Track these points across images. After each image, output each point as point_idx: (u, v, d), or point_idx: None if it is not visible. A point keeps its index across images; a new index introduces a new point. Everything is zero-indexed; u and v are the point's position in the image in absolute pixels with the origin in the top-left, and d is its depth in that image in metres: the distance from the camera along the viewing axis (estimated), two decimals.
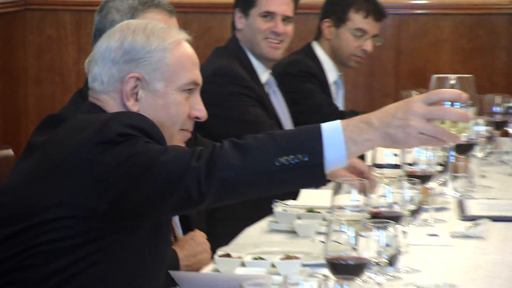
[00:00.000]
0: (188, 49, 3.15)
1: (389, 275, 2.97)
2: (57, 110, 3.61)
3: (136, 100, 3.00)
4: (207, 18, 6.51)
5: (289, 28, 5.21)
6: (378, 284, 2.87)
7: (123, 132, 2.76)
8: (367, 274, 2.73)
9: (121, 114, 2.91)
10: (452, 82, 3.13)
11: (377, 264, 2.82)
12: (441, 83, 3.12)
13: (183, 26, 3.56)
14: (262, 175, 2.72)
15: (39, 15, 7.02)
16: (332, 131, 2.75)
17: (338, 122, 2.77)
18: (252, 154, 2.73)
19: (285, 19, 5.16)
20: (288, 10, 5.17)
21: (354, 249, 2.67)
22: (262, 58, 5.21)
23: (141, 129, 2.82)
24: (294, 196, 3.70)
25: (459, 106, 2.85)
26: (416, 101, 2.73)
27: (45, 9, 6.60)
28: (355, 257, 2.66)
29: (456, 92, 2.87)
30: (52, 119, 3.14)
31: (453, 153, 4.33)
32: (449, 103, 2.80)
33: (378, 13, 5.88)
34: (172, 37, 3.08)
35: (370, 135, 2.72)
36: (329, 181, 2.87)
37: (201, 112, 3.16)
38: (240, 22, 5.22)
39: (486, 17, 6.87)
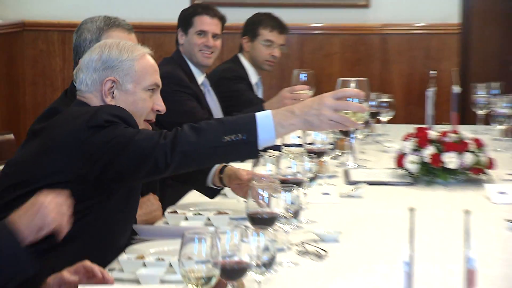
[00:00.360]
0: (150, 59, 3.22)
1: (294, 225, 2.97)
2: (47, 105, 3.67)
3: (112, 97, 3.09)
4: (160, 36, 6.45)
5: (218, 43, 5.24)
6: (286, 232, 2.87)
7: (108, 119, 2.90)
8: (277, 225, 2.73)
9: (106, 106, 3.03)
10: (353, 84, 3.28)
11: (285, 217, 2.82)
12: (345, 84, 3.29)
13: (142, 42, 3.56)
14: (212, 149, 2.90)
15: (33, 34, 6.91)
16: (264, 117, 2.91)
17: (269, 111, 2.95)
18: (205, 134, 2.90)
19: (215, 36, 5.19)
20: (217, 29, 5.23)
21: (268, 206, 2.68)
22: (198, 65, 5.22)
23: (121, 117, 2.95)
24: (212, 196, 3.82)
25: (357, 101, 3.02)
26: (327, 96, 2.92)
27: (38, 29, 6.47)
28: (268, 212, 2.66)
29: (356, 91, 3.11)
30: (50, 111, 3.27)
31: (353, 135, 4.41)
32: (351, 98, 3.01)
33: (280, 27, 5.91)
34: (138, 51, 3.16)
35: (293, 121, 2.90)
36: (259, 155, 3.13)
37: (161, 106, 3.25)
38: (181, 38, 5.26)
39: (365, 36, 6.88)
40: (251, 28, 5.93)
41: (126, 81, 3.12)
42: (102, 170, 2.89)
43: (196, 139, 2.91)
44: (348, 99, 3.06)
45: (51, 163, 2.93)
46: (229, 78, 5.69)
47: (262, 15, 6.05)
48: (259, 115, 2.95)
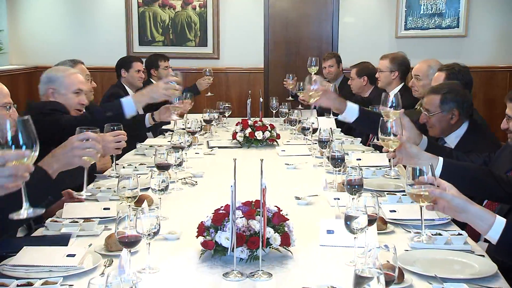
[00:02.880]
0: (79, 75, 3.10)
1: (179, 169, 2.87)
2: None
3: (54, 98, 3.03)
4: (103, 74, 6.06)
5: (145, 75, 5.06)
6: (175, 172, 2.81)
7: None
8: (171, 169, 2.68)
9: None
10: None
11: (174, 165, 2.77)
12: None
13: (94, 77, 3.45)
14: (103, 119, 2.76)
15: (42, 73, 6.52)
16: (126, 99, 2.97)
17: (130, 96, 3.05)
18: (101, 111, 2.99)
19: (143, 72, 5.00)
20: (142, 68, 5.01)
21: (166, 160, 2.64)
22: (133, 87, 4.89)
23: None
24: None
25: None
26: (159, 82, 3.07)
27: (45, 69, 6.11)
28: (165, 162, 2.62)
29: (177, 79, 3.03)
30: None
31: (214, 123, 4.33)
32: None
33: (164, 57, 5.48)
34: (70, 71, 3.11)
35: (144, 98, 2.99)
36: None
37: (84, 102, 3.09)
38: (124, 73, 4.91)
39: (218, 73, 6.73)
40: (154, 63, 5.40)
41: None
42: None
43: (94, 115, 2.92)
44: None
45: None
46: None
47: (156, 56, 5.52)
48: (123, 99, 2.97)
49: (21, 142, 1.42)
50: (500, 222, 1.70)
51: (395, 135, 2.23)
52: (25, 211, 1.47)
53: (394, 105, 2.31)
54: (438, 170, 2.19)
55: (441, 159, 2.23)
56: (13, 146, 1.40)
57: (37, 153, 1.46)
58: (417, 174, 1.85)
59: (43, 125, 2.49)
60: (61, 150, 1.93)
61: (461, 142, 2.89)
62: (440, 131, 2.92)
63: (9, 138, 1.40)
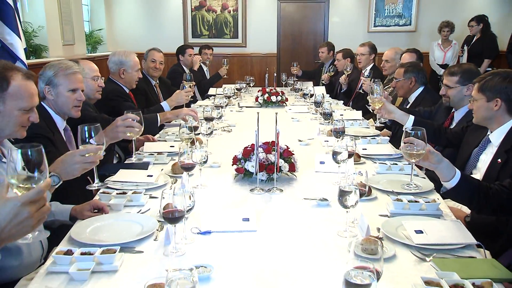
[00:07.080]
0: (137, 58, 2.79)
1: (217, 121, 2.82)
2: None
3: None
4: (168, 57, 5.84)
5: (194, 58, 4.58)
6: (216, 123, 2.73)
7: None
8: (213, 120, 2.59)
9: None
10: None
11: (215, 118, 2.69)
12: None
13: (166, 60, 3.32)
14: None
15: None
16: None
17: None
18: None
19: (194, 55, 4.63)
20: (193, 53, 4.58)
21: (210, 114, 2.56)
22: (187, 67, 4.50)
23: None
24: None
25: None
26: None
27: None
28: (210, 115, 2.53)
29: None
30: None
31: (243, 90, 4.18)
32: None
33: (207, 47, 4.95)
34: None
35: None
36: None
37: (140, 76, 2.83)
38: (181, 58, 4.51)
39: (244, 58, 6.60)
40: (199, 50, 4.98)
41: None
42: None
43: None
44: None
45: None
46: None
47: (201, 46, 5.09)
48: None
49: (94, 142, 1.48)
50: (457, 175, 1.45)
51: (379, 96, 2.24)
52: (96, 184, 1.56)
53: (370, 75, 2.26)
54: (410, 123, 2.18)
55: (411, 116, 2.21)
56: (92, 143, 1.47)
57: (104, 148, 1.49)
58: (410, 135, 1.48)
59: (107, 106, 2.45)
60: (109, 128, 1.85)
61: (417, 99, 2.89)
62: (403, 92, 2.92)
63: (86, 138, 1.48)
